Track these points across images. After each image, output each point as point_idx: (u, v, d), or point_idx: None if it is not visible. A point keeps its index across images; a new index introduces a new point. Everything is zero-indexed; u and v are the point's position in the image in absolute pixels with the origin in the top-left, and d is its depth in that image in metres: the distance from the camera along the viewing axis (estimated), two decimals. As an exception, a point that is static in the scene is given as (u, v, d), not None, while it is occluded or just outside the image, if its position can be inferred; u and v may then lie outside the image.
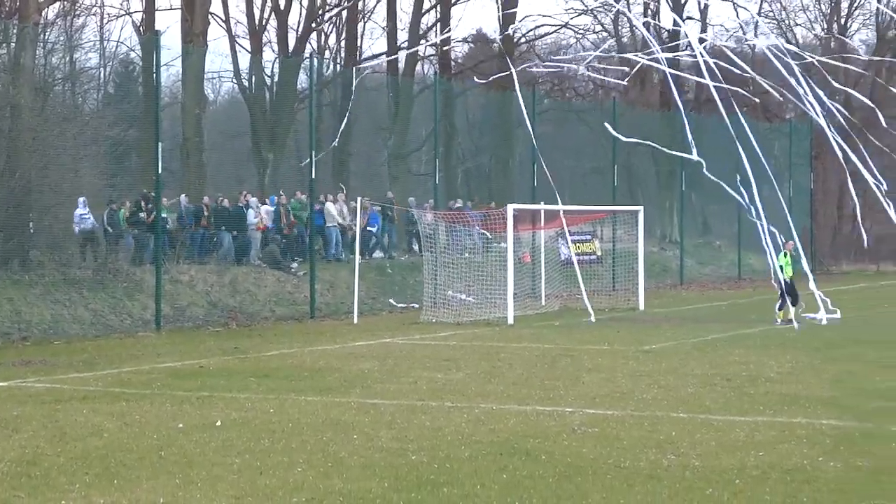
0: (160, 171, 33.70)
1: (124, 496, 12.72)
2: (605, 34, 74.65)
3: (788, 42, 78.42)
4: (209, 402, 19.30)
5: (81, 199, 34.19)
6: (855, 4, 78.71)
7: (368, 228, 41.63)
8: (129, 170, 37.85)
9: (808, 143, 64.66)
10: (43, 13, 41.00)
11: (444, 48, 61.72)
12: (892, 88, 50.44)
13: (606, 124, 39.00)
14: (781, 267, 35.36)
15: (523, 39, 66.57)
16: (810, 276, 35.29)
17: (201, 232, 37.43)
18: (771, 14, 78.51)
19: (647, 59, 38.82)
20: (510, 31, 60.18)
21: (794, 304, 34.37)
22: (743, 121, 35.90)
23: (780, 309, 34.40)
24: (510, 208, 36.29)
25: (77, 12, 48.81)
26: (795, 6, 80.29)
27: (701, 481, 13.19)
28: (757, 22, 78.18)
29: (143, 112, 39.75)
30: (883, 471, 13.79)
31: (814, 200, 64.65)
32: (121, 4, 55.75)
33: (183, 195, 38.12)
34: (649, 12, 74.06)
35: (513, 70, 38.12)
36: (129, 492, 12.91)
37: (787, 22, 79.35)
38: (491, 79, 43.37)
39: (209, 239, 37.50)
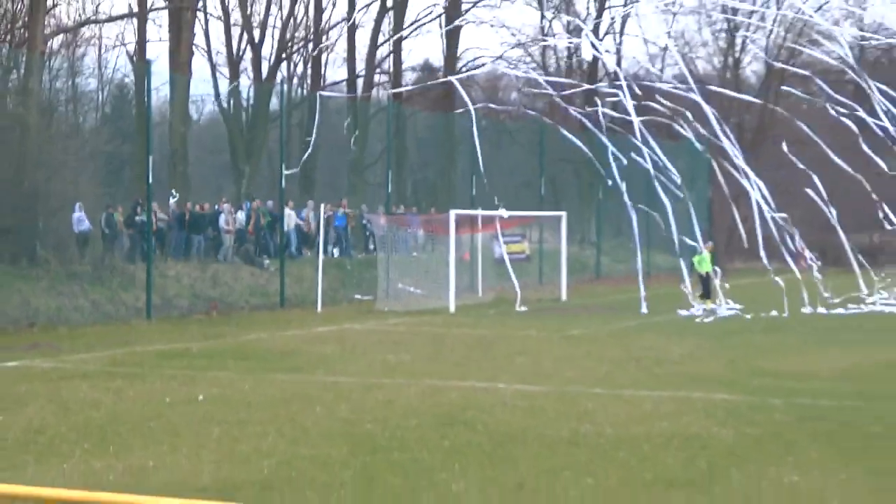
0: (150, 180, 33.56)
1: (119, 461, 12.71)
2: (534, 64, 74.87)
3: (691, 73, 79.14)
4: (193, 380, 19.26)
5: (77, 205, 33.97)
6: (747, 41, 79.33)
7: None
8: (123, 179, 37.75)
9: (706, 159, 64.90)
10: (48, 43, 40.78)
11: (396, 87, 61.81)
12: (779, 109, 50.80)
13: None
14: (692, 265, 35.74)
15: (465, 69, 66.72)
16: (718, 272, 35.79)
17: (185, 234, 37.36)
18: (676, 48, 78.98)
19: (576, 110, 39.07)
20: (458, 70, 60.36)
21: (707, 297, 34.70)
22: (655, 145, 36.33)
23: (705, 297, 34.76)
24: (452, 214, 36.39)
25: (78, 43, 48.56)
26: (696, 41, 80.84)
27: (614, 447, 13.30)
28: (664, 55, 78.97)
29: (135, 130, 39.65)
30: (767, 437, 13.96)
31: (712, 208, 64.96)
32: (116, 36, 55.39)
33: (172, 199, 37.96)
34: (571, 46, 74.44)
35: (471, 107, 38.33)
36: (124, 458, 12.90)
37: (690, 54, 79.88)
38: (459, 110, 43.43)
39: (189, 240, 37.42)
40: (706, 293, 35.07)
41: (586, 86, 46.38)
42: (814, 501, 10.83)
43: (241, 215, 39.54)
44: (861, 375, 19.78)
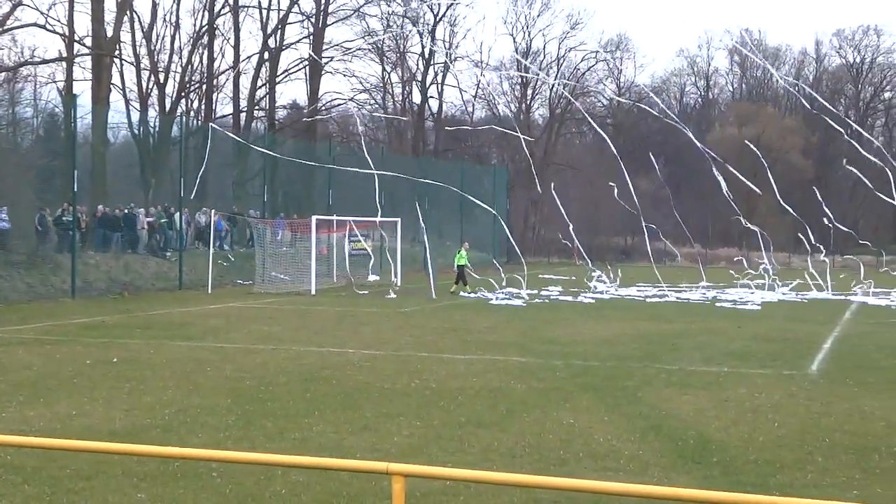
0: (76, 189, 32.77)
1: (48, 410, 12.31)
2: (377, 105, 74.83)
3: (495, 115, 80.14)
4: (108, 346, 18.72)
5: (4, 208, 32.63)
6: (535, 92, 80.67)
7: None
8: (54, 188, 36.34)
9: (505, 179, 65.72)
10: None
11: (271, 121, 61.14)
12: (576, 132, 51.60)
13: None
14: (456, 260, 36.04)
15: (323, 108, 66.34)
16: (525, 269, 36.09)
17: (102, 231, 36.33)
18: (482, 96, 79.91)
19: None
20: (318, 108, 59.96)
21: (465, 284, 34.87)
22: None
23: (456, 284, 35.03)
24: (314, 218, 36.17)
25: (17, 79, 46.88)
26: (498, 90, 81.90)
27: (436, 397, 13.34)
28: (475, 100, 79.79)
29: (64, 149, 38.38)
30: (550, 389, 14.15)
31: (510, 216, 65.89)
32: (49, 75, 53.44)
33: (101, 206, 36.89)
34: (406, 91, 74.63)
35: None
36: (52, 407, 12.49)
37: (493, 101, 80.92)
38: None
39: (108, 236, 36.41)
40: (460, 280, 35.25)
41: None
42: (584, 437, 10.99)
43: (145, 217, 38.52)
44: (618, 342, 20.22)
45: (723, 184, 34.51)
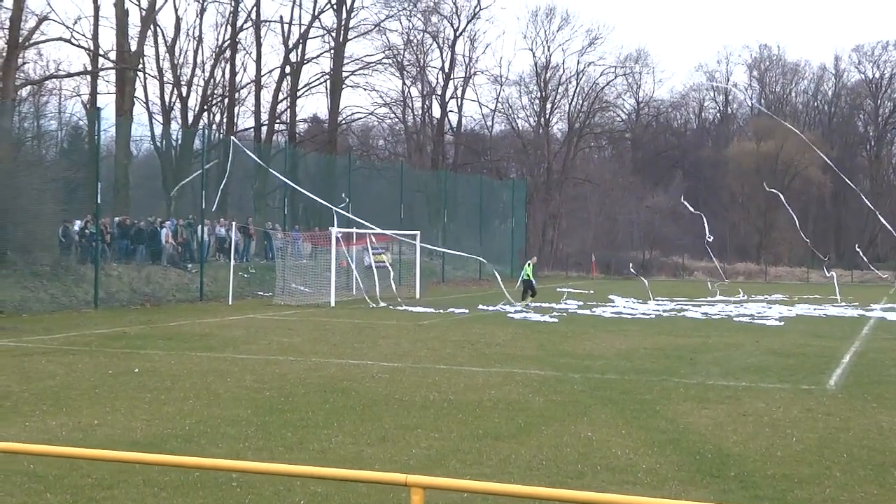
0: (99, 201, 33.00)
1: (70, 419, 12.35)
2: (397, 119, 75.02)
3: (513, 129, 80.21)
4: (130, 357, 18.79)
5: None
6: (555, 106, 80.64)
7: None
8: (77, 200, 36.54)
9: (524, 193, 65.67)
10: (19, 93, 39.68)
11: (291, 135, 61.41)
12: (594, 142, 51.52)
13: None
14: (527, 272, 36.07)
15: (344, 122, 66.54)
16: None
17: (126, 243, 36.54)
18: (501, 110, 79.98)
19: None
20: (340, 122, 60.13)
21: (533, 296, 35.03)
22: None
23: (523, 298, 35.12)
24: (333, 231, 36.22)
25: (43, 93, 47.32)
26: (517, 104, 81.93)
27: (455, 410, 13.32)
28: (494, 114, 79.86)
29: (87, 161, 38.64)
30: (568, 402, 14.11)
31: (528, 230, 65.73)
32: (73, 88, 54.01)
33: (117, 217, 37.15)
34: (426, 105, 74.78)
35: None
36: (74, 417, 12.54)
37: (512, 115, 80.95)
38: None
39: (130, 248, 36.62)
40: (533, 293, 35.46)
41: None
42: (602, 450, 10.95)
43: (167, 230, 38.69)
44: (635, 356, 20.15)
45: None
